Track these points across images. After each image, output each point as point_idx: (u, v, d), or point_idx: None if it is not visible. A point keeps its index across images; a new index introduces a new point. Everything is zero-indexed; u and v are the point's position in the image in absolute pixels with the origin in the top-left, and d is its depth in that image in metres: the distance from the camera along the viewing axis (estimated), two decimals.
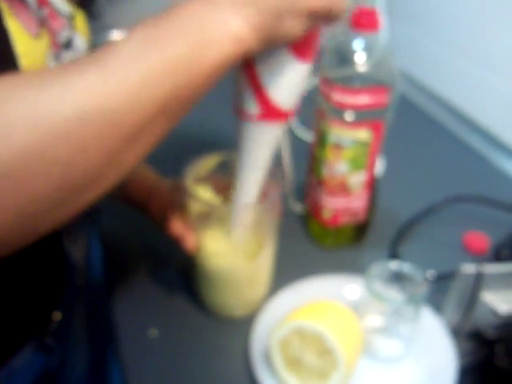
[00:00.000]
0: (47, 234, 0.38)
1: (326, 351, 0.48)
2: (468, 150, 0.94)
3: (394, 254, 0.68)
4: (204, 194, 0.57)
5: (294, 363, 0.50)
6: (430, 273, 0.50)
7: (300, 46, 0.44)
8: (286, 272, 0.63)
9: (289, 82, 0.45)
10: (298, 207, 0.74)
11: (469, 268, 0.54)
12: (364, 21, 0.58)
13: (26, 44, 0.44)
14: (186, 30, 0.37)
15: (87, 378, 0.72)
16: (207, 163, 0.58)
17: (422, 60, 1.11)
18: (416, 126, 1.02)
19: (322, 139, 0.63)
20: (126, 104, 0.34)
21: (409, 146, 0.93)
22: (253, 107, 0.46)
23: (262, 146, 0.49)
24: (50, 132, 0.32)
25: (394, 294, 0.54)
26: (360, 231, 0.70)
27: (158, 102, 0.36)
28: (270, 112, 0.46)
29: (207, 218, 0.56)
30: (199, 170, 0.57)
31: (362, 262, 0.68)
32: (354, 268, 0.64)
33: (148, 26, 0.37)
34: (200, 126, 0.84)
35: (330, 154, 0.62)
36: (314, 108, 0.65)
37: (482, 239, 0.71)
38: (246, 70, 0.45)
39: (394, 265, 0.54)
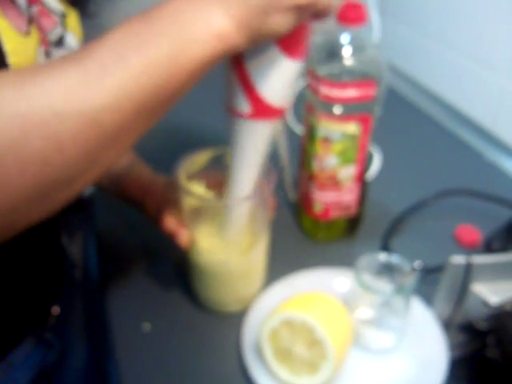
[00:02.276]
0: (43, 230, 0.37)
1: (315, 342, 0.47)
2: (459, 144, 0.93)
3: (385, 248, 0.66)
4: (197, 190, 0.56)
5: (285, 355, 0.48)
6: (418, 263, 0.48)
7: (289, 43, 0.42)
8: (279, 266, 0.61)
9: (279, 80, 0.44)
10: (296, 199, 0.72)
11: (458, 259, 0.52)
12: (351, 15, 0.56)
13: (14, 42, 0.43)
14: (168, 29, 0.36)
15: (85, 371, 0.71)
16: (199, 159, 0.56)
17: (412, 54, 1.09)
18: (408, 120, 1.00)
19: (311, 133, 0.61)
20: (104, 105, 0.33)
21: (401, 140, 0.92)
22: (244, 106, 0.45)
23: (255, 143, 0.48)
24: (24, 129, 0.31)
25: (383, 285, 0.52)
26: (352, 225, 0.68)
27: (138, 102, 0.35)
28: (262, 110, 0.45)
29: (200, 213, 0.55)
30: (191, 166, 0.56)
31: (354, 255, 0.66)
32: (346, 261, 0.63)
33: (129, 25, 0.36)
34: (192, 122, 0.83)
35: (319, 148, 0.60)
36: (304, 102, 0.63)
37: (473, 232, 0.69)
38: (236, 68, 0.44)
39: (382, 257, 0.53)
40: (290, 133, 0.91)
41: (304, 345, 0.47)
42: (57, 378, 0.67)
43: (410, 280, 0.49)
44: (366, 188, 0.66)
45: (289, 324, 0.48)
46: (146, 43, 0.35)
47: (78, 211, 0.66)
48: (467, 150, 0.91)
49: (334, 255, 0.66)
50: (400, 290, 0.50)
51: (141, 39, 0.35)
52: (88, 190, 0.76)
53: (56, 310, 0.64)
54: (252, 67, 0.43)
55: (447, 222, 0.71)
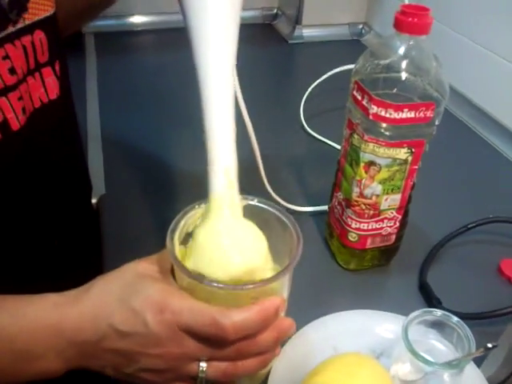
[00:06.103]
0: None
1: None
2: (509, 166, 0.79)
3: (422, 279, 0.56)
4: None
5: None
6: (490, 343, 0.38)
7: None
8: (309, 299, 0.52)
9: None
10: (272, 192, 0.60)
11: None
12: (411, 21, 0.45)
13: None
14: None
15: None
16: (191, 218, 0.43)
17: (463, 71, 0.92)
18: (449, 134, 0.84)
19: (353, 155, 0.51)
20: None
21: (442, 158, 0.76)
22: None
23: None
24: None
25: (436, 349, 0.42)
26: (388, 255, 0.58)
27: None
28: None
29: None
30: (183, 229, 0.42)
31: (389, 286, 0.57)
32: (381, 293, 0.54)
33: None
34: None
35: (362, 173, 0.50)
36: (345, 116, 0.52)
37: None
38: None
39: (437, 314, 0.43)
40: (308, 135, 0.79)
41: None
42: None
43: (471, 357, 0.39)
44: (407, 216, 0.55)
45: None
46: None
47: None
48: None
49: (367, 285, 0.56)
50: (456, 365, 0.40)
51: None
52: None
53: None
54: None
55: (491, 253, 0.61)
